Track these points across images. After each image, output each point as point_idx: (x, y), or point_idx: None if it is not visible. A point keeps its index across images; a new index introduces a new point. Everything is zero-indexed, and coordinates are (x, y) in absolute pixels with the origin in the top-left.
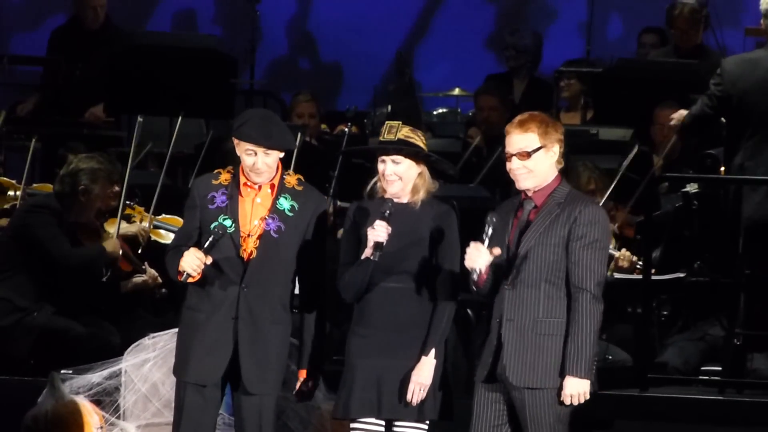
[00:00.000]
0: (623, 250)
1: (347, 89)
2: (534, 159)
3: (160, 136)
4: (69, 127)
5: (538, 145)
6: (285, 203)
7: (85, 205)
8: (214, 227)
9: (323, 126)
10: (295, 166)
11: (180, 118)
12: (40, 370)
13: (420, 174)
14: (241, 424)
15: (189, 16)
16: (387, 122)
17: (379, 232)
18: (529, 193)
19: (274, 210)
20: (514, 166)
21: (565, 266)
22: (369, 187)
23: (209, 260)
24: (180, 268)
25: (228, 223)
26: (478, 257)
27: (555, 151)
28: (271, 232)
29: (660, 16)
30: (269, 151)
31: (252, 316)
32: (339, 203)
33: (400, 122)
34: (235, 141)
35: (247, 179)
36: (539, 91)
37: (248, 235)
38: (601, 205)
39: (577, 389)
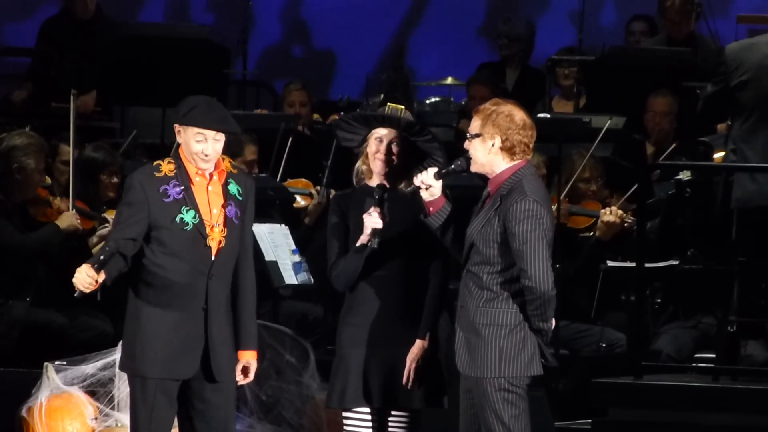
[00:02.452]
0: (610, 208)
1: (340, 79)
2: (472, 144)
3: (152, 126)
4: (61, 118)
5: (477, 132)
6: (233, 188)
7: (24, 182)
8: (108, 245)
9: (316, 116)
10: (287, 156)
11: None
12: (33, 362)
13: (407, 161)
14: (208, 413)
15: (181, 5)
16: (388, 104)
17: (375, 218)
18: (489, 179)
19: (228, 196)
20: (465, 146)
21: (509, 258)
22: (355, 173)
23: (101, 277)
24: (74, 283)
25: (191, 214)
26: (424, 175)
27: (495, 143)
28: (233, 219)
29: (651, 4)
30: (219, 137)
31: (217, 305)
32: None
33: (403, 107)
34: (181, 128)
35: (198, 168)
36: (532, 80)
37: (214, 225)
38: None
39: None
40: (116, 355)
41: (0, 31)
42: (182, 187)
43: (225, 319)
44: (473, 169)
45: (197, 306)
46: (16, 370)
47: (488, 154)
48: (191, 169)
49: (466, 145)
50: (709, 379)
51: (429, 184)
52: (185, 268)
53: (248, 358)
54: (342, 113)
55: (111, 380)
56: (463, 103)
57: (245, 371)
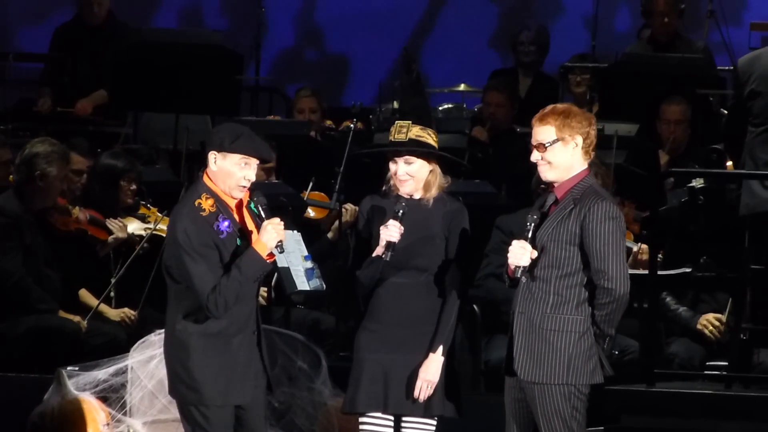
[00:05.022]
0: (641, 244)
1: (353, 85)
2: (551, 151)
3: (165, 132)
4: (74, 124)
5: (554, 137)
6: (252, 206)
7: (46, 190)
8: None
9: (329, 122)
10: (299, 163)
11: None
12: (45, 368)
13: (432, 171)
14: (252, 422)
15: (194, 11)
16: (397, 122)
17: (391, 231)
18: (554, 186)
19: (252, 215)
20: (533, 158)
21: (579, 262)
22: (384, 187)
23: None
24: (269, 245)
25: (244, 244)
26: (523, 255)
27: (577, 142)
28: None
29: None
30: (256, 163)
31: (260, 325)
32: (344, 200)
33: (410, 122)
34: (219, 155)
35: (230, 196)
36: (545, 87)
37: None
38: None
39: None
40: (128, 360)
41: (13, 36)
42: (228, 221)
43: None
44: (550, 177)
45: (250, 330)
46: (28, 376)
47: (570, 157)
48: (229, 201)
49: (539, 154)
50: (722, 387)
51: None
52: (244, 297)
53: None
54: (354, 119)
55: (123, 386)
56: (476, 109)
57: None
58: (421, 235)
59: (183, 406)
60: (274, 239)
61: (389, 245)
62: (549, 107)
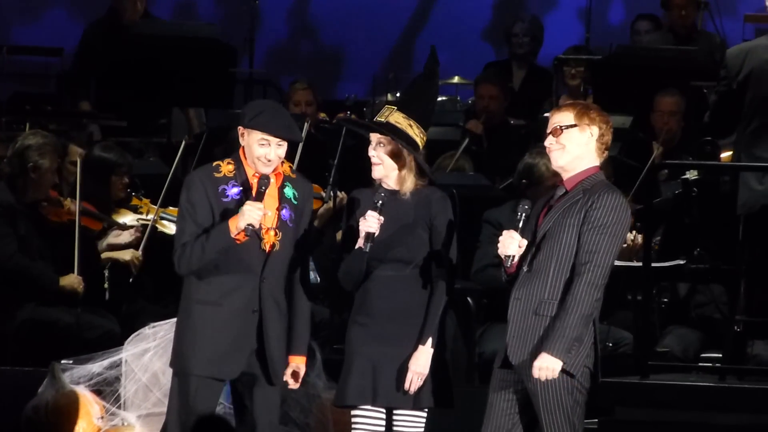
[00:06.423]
0: (634, 232)
1: (347, 78)
2: (566, 134)
3: (159, 125)
4: (67, 118)
5: (572, 122)
6: (289, 191)
7: (38, 182)
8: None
9: (322, 115)
10: (293, 155)
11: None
12: (39, 361)
13: (406, 163)
14: (255, 415)
15: (188, 4)
16: (386, 105)
17: (370, 222)
18: (564, 179)
19: (283, 199)
20: (547, 143)
21: (574, 252)
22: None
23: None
24: (239, 225)
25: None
26: (511, 244)
27: (593, 133)
28: (288, 222)
29: (658, 3)
30: (282, 142)
31: (271, 308)
32: (339, 193)
33: (395, 108)
34: (245, 131)
35: (256, 170)
36: (539, 79)
37: (269, 228)
38: None
39: (547, 365)
40: (123, 354)
41: (7, 32)
42: (240, 189)
43: (280, 322)
44: (561, 162)
45: (249, 307)
46: (22, 369)
47: (585, 145)
48: (250, 172)
49: (553, 138)
50: (716, 379)
51: (519, 248)
52: (238, 269)
53: (298, 362)
54: (348, 112)
55: (117, 379)
56: (469, 102)
57: (295, 376)
58: (402, 227)
59: (172, 377)
60: (245, 221)
61: (368, 236)
62: (570, 101)
